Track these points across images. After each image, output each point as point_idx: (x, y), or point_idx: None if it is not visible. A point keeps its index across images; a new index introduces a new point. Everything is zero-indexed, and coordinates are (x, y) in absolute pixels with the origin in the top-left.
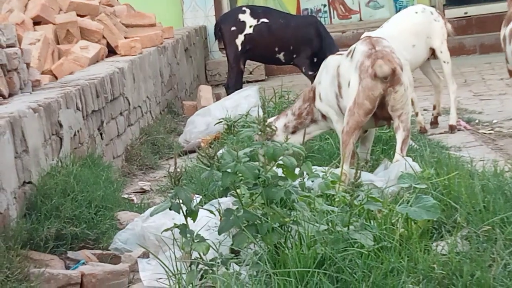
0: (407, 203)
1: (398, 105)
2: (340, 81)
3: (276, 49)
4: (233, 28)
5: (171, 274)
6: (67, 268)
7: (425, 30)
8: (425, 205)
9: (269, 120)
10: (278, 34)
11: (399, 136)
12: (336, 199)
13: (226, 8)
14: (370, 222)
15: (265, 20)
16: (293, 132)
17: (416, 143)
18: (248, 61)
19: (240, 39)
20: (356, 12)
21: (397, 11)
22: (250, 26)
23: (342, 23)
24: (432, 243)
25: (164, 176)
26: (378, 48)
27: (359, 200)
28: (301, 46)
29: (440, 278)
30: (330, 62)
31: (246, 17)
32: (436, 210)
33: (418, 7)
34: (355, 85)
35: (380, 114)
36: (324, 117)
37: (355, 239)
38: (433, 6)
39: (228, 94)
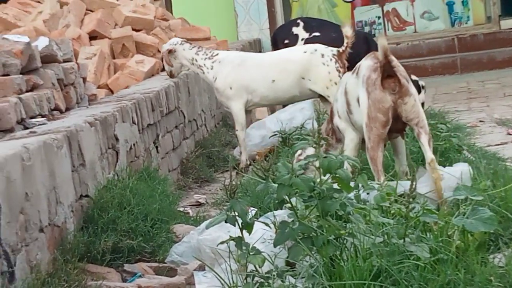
0: (463, 215)
1: (411, 115)
2: (348, 98)
3: None
4: (286, 41)
5: (227, 287)
6: (124, 280)
7: (300, 70)
8: (482, 217)
9: (296, 155)
10: None
11: (424, 140)
12: (392, 211)
13: (280, 21)
14: (426, 234)
15: (317, 33)
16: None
17: (472, 155)
18: None
19: None
20: (411, 23)
21: (452, 22)
22: (302, 39)
23: (396, 35)
24: (489, 255)
25: (220, 189)
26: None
27: (415, 212)
28: (352, 62)
29: None
30: (343, 80)
31: (299, 30)
32: (493, 222)
33: (311, 47)
34: (365, 100)
35: (394, 127)
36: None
37: (411, 251)
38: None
39: (282, 107)
